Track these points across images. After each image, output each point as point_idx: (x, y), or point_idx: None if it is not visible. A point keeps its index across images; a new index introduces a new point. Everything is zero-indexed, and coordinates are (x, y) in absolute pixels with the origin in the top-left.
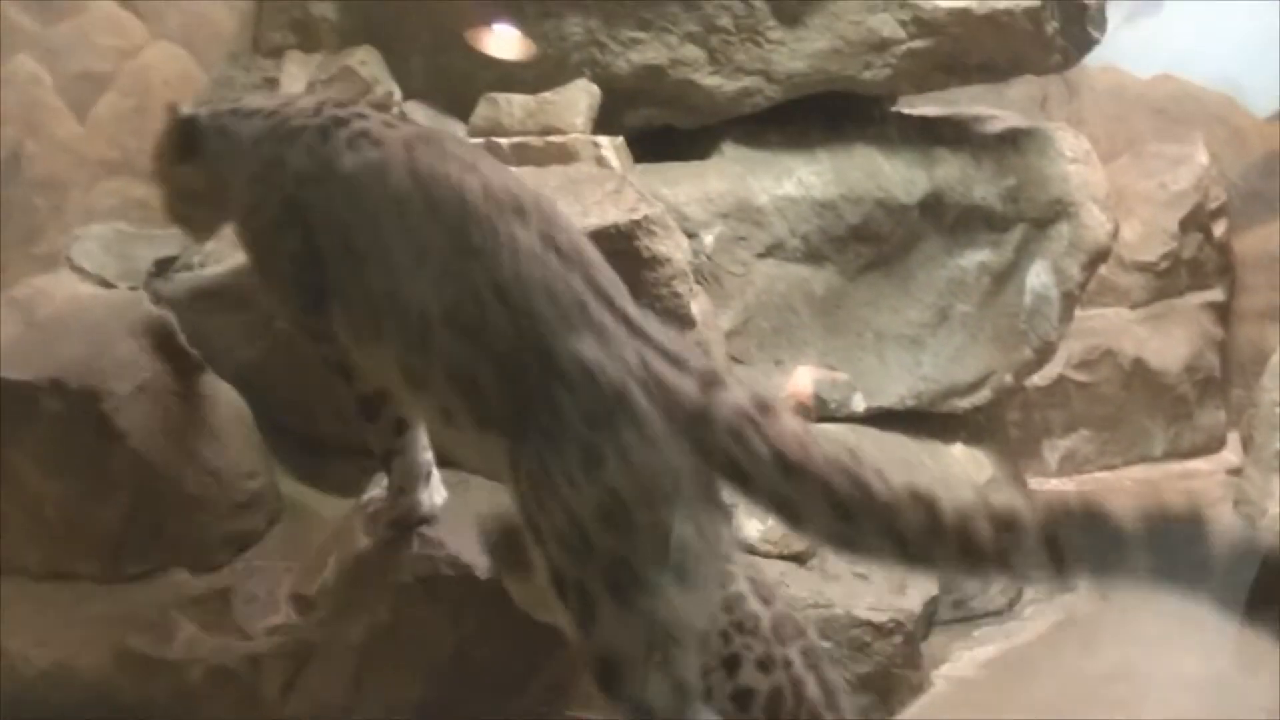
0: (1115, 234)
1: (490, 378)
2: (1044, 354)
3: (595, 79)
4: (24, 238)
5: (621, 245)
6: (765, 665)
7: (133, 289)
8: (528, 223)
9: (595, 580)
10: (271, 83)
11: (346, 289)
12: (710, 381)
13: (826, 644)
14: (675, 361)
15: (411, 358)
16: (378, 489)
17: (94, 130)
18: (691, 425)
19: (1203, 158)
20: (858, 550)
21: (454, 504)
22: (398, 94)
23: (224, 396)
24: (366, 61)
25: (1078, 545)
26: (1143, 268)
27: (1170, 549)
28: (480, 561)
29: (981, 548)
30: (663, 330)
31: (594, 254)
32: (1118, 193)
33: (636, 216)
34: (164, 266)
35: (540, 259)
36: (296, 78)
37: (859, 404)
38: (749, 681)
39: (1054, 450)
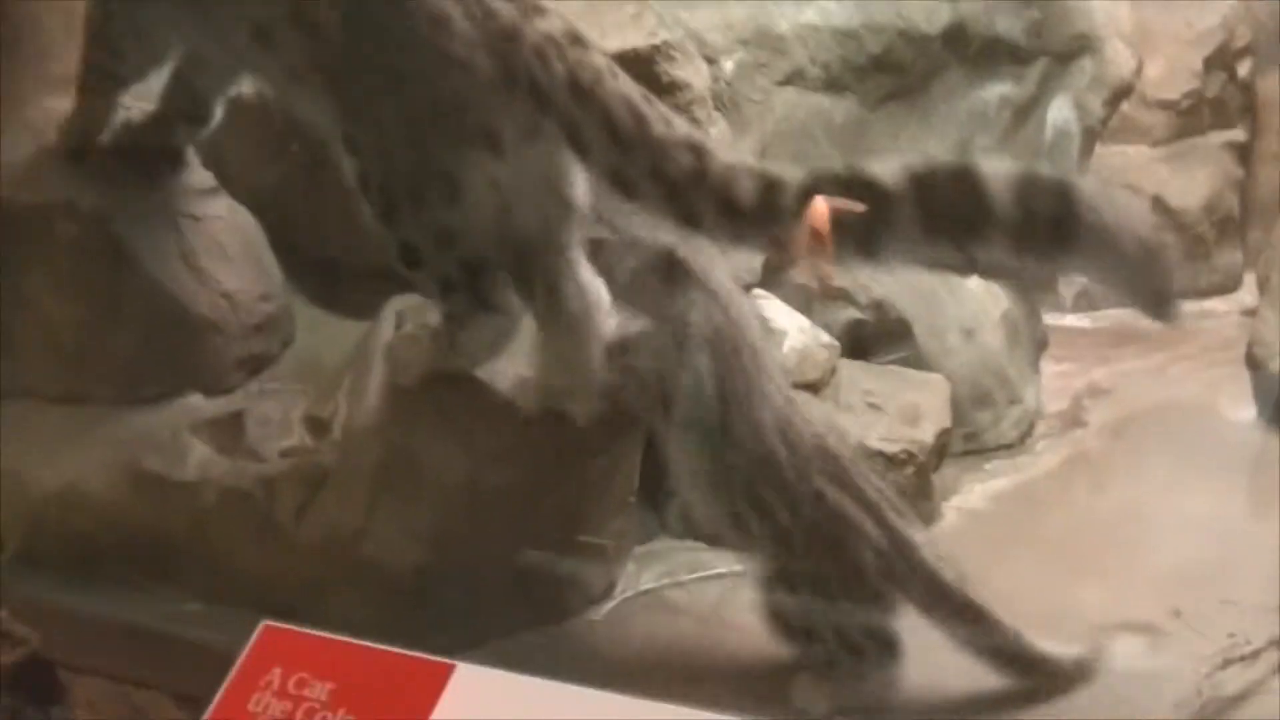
0: (1139, 70)
1: None
2: None
3: None
4: (35, 57)
5: (640, 70)
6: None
7: None
8: None
9: (396, 182)
10: None
11: None
12: (530, 9)
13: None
14: None
15: None
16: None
17: None
18: (501, 41)
19: None
20: (634, 196)
21: None
22: None
23: (238, 219)
24: None
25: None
26: (1165, 105)
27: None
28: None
29: (740, 203)
30: None
31: None
32: (1142, 29)
33: (656, 41)
34: None
35: None
36: None
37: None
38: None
39: (1070, 286)
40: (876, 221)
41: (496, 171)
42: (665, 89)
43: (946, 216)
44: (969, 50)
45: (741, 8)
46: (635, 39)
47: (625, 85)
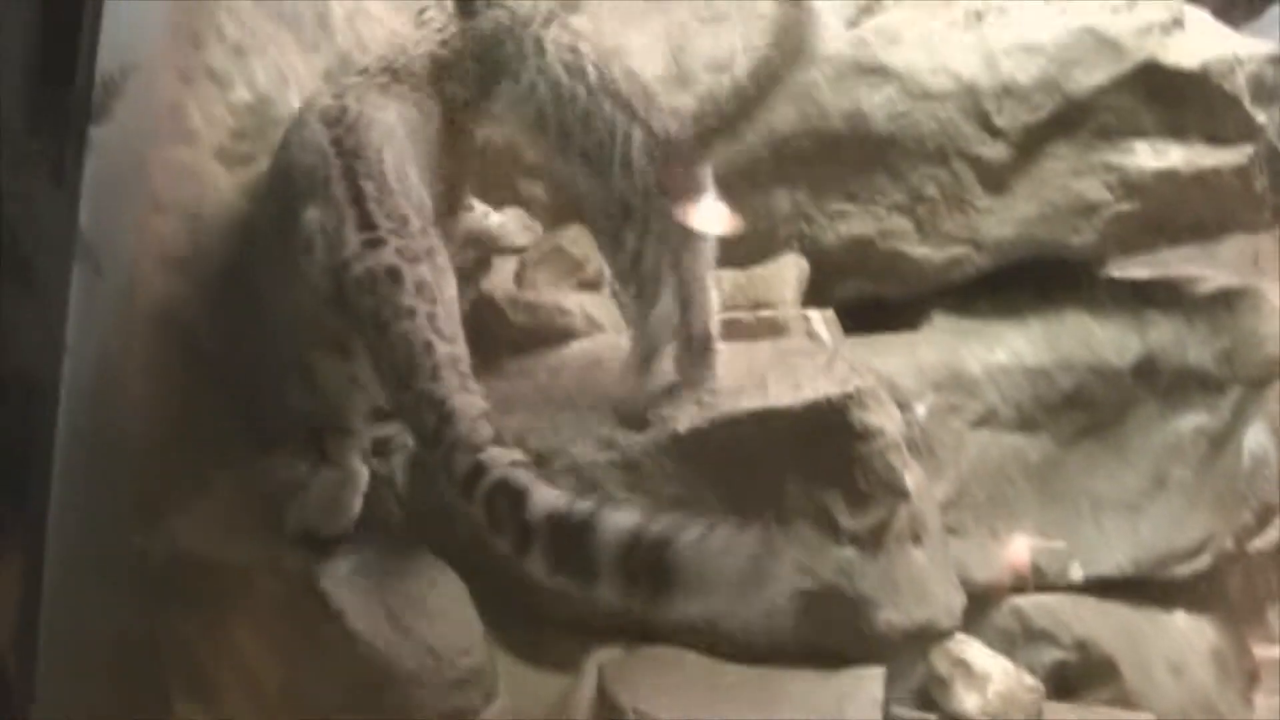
0: None
1: None
2: (1265, 517)
3: (804, 252)
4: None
5: (834, 419)
6: None
7: None
8: None
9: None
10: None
11: None
12: (374, 241)
13: None
14: None
15: None
16: None
17: None
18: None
19: None
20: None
21: None
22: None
23: (440, 571)
24: (577, 240)
25: None
26: None
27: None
28: None
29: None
30: None
31: None
32: None
33: (848, 389)
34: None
35: None
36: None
37: (1077, 573)
38: None
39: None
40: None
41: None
42: (859, 436)
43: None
44: (1161, 382)
45: (932, 351)
46: (827, 387)
47: (423, 329)
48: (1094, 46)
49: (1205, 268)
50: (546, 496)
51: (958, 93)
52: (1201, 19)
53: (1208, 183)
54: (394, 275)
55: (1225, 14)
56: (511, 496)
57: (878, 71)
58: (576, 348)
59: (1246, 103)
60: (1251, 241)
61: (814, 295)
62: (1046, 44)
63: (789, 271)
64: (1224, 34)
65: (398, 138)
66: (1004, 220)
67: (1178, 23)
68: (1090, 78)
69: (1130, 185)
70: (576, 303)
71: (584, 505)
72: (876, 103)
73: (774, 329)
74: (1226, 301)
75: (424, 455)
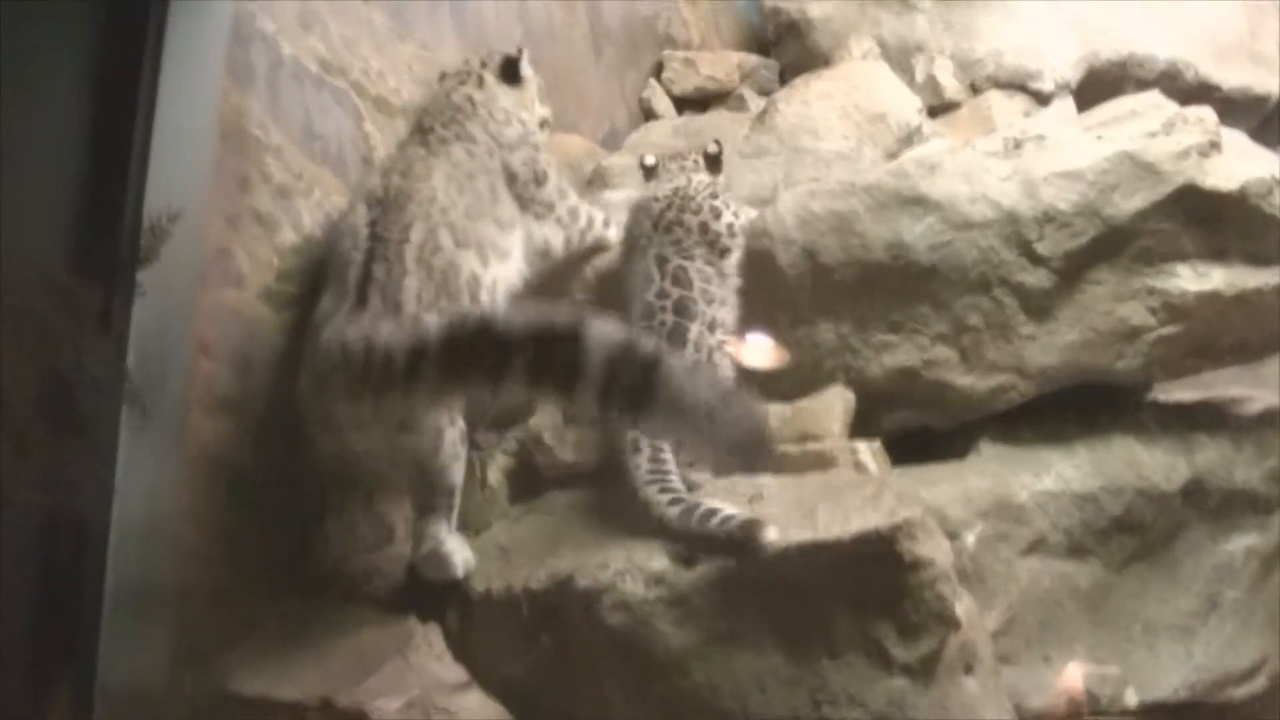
0: None
1: None
2: None
3: (849, 383)
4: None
5: (883, 549)
6: None
7: None
8: None
9: None
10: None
11: None
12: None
13: None
14: None
15: None
16: None
17: None
18: None
19: None
20: None
21: None
22: None
23: (490, 711)
24: None
25: None
26: None
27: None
28: None
29: None
30: None
31: None
32: None
33: (897, 520)
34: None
35: None
36: None
37: (1131, 699)
38: None
39: None
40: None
41: None
42: (909, 568)
43: (549, 371)
44: (1210, 504)
45: (980, 479)
46: (876, 519)
47: None
48: (1132, 171)
49: (1250, 388)
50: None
51: (998, 221)
52: (1238, 141)
53: (1250, 303)
54: None
55: (1261, 135)
56: None
57: (918, 202)
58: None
59: None
60: None
61: (860, 427)
62: (1085, 170)
63: (835, 404)
64: (1261, 155)
65: None
66: (1048, 347)
67: (1215, 145)
68: (1130, 203)
69: (1173, 308)
70: None
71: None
72: (918, 233)
73: (821, 461)
74: (1273, 421)
75: None
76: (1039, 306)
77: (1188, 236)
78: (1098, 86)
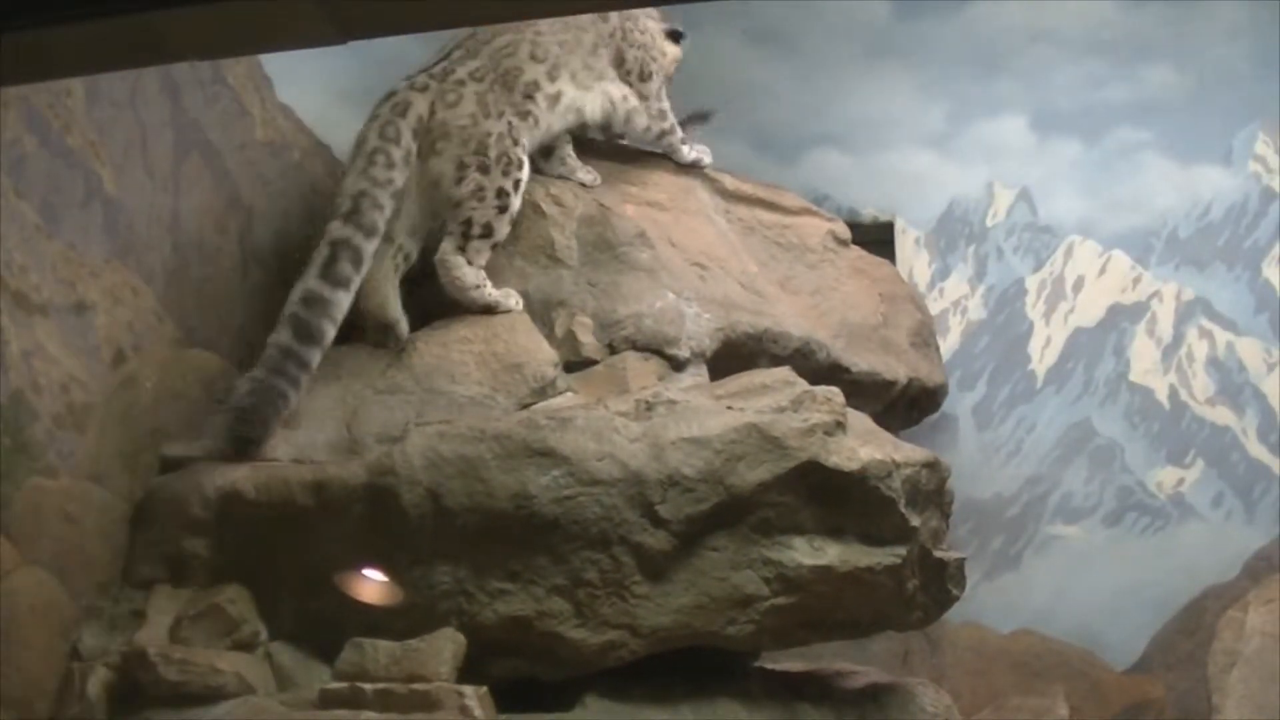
0: None
1: None
2: None
3: (462, 627)
4: None
5: None
6: None
7: None
8: None
9: None
10: (139, 615)
11: None
12: None
13: None
14: None
15: None
16: None
17: None
18: None
19: (1063, 710)
20: None
21: None
22: (264, 634)
23: None
24: (235, 600)
25: None
26: None
27: None
28: None
29: None
30: None
31: None
32: None
33: None
34: None
35: None
36: (164, 611)
37: None
38: None
39: None
40: None
41: None
42: None
43: None
44: None
45: None
46: None
47: None
48: (759, 444)
49: (857, 663)
50: None
51: (624, 480)
52: (863, 423)
53: (863, 581)
54: None
55: (885, 419)
56: None
57: (547, 454)
58: (225, 709)
59: (902, 505)
60: (902, 640)
61: (470, 671)
62: (713, 438)
63: (445, 647)
64: (883, 438)
65: None
66: (662, 608)
67: (840, 425)
68: (754, 474)
69: (787, 580)
70: (230, 663)
71: None
72: (543, 484)
73: (427, 703)
74: (875, 697)
75: None
76: (656, 568)
77: (807, 511)
78: (732, 357)
